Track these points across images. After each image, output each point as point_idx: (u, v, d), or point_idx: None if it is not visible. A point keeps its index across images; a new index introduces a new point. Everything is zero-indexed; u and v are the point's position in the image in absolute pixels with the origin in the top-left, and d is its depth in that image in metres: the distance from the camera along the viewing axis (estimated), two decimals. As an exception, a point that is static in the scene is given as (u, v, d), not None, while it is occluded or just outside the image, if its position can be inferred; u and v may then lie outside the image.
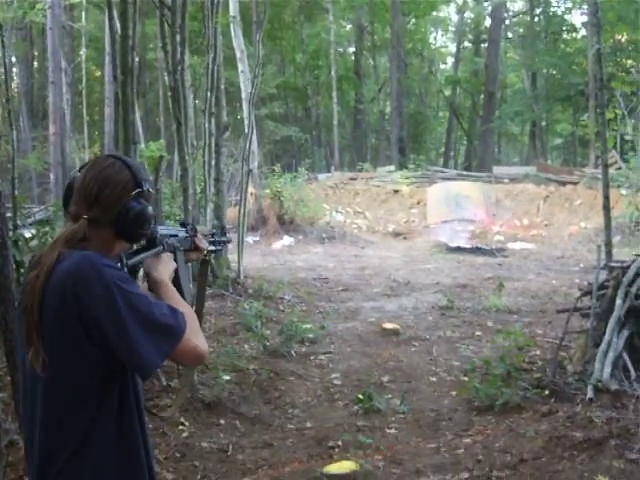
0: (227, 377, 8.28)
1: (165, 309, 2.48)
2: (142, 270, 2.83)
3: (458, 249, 23.31)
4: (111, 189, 2.55)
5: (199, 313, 3.36)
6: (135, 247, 2.84)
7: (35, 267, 2.50)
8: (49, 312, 2.40)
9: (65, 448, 2.43)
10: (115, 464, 2.49)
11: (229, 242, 3.91)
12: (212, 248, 3.44)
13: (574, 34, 45.81)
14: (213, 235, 3.49)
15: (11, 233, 7.00)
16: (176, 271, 2.92)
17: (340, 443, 6.77)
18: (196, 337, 2.51)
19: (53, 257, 2.45)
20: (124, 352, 2.37)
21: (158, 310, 2.43)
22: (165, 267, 2.82)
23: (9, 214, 7.43)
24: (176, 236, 3.04)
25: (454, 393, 8.36)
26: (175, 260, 2.96)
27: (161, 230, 2.91)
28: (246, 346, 10.18)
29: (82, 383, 2.42)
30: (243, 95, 22.39)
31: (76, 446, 2.42)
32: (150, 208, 2.64)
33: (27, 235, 9.26)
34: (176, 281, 2.91)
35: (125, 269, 2.59)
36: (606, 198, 10.86)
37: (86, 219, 2.52)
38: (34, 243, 9.13)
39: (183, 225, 3.17)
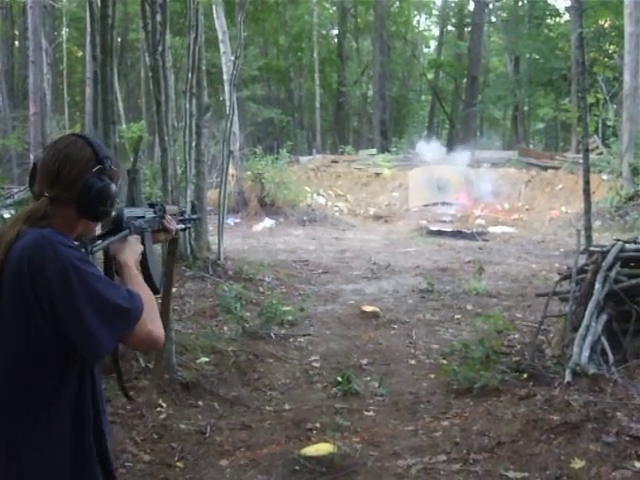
0: (206, 359, 8.28)
1: (123, 292, 2.44)
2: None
3: (439, 232, 23.32)
4: (72, 166, 2.52)
5: (168, 293, 3.33)
6: (101, 231, 2.81)
7: None
8: (6, 289, 2.38)
9: (18, 435, 2.41)
10: (67, 463, 2.45)
11: (199, 219, 3.87)
12: (181, 227, 3.40)
13: (557, 19, 45.91)
14: (182, 213, 3.45)
15: (-11, 213, 6.96)
16: (144, 253, 2.89)
17: (318, 425, 6.77)
18: (152, 322, 2.47)
19: (12, 234, 2.42)
20: (75, 333, 2.33)
21: (114, 292, 2.40)
22: (131, 250, 2.77)
23: (-13, 194, 7.39)
24: (143, 217, 2.99)
25: (433, 376, 8.37)
26: (143, 242, 2.91)
27: (127, 212, 2.86)
28: (225, 328, 10.17)
29: (36, 365, 2.39)
30: (225, 77, 22.38)
31: (27, 434, 2.40)
32: (113, 185, 2.60)
33: (6, 216, 9.23)
34: (144, 263, 2.89)
35: (90, 256, 2.54)
36: (587, 183, 10.87)
37: (47, 197, 2.49)
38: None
39: (152, 205, 3.11)
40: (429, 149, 34.28)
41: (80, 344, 2.36)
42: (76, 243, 2.52)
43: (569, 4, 37.89)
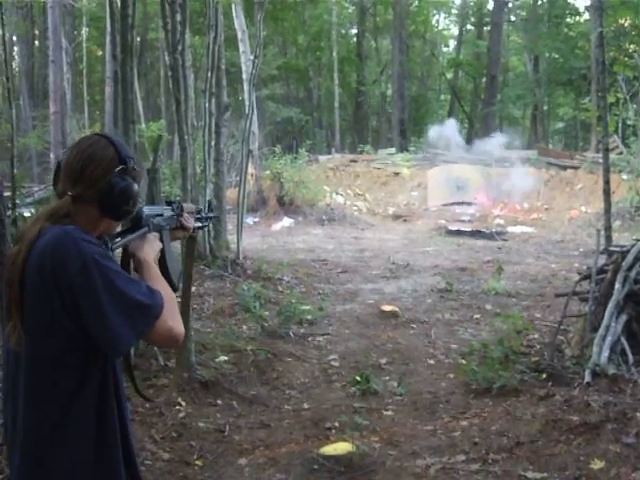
0: (225, 357, 8.30)
1: (143, 288, 2.46)
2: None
3: (458, 232, 23.27)
4: (95, 165, 2.55)
5: (187, 291, 3.35)
6: (121, 228, 2.83)
7: (18, 242, 2.50)
8: (29, 286, 2.40)
9: (42, 430, 2.43)
10: (90, 458, 2.47)
11: (216, 217, 3.88)
12: (199, 225, 3.42)
13: (577, 17, 45.61)
14: (200, 212, 3.47)
15: (9, 212, 6.98)
16: (162, 251, 2.90)
17: (337, 424, 6.77)
18: (172, 319, 2.50)
19: (34, 231, 2.45)
20: (96, 328, 2.36)
21: (135, 288, 2.42)
22: (150, 247, 2.80)
23: (8, 193, 7.42)
24: (161, 215, 3.01)
25: (452, 376, 8.36)
26: (161, 240, 2.93)
27: (146, 210, 2.88)
28: (244, 327, 10.20)
29: (59, 360, 2.41)
30: (244, 76, 22.36)
31: (51, 431, 2.42)
32: (136, 185, 2.62)
33: (27, 214, 9.25)
34: (162, 261, 2.90)
35: (110, 253, 2.56)
36: (607, 183, 10.84)
37: (70, 196, 2.51)
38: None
39: (169, 203, 3.14)
40: (444, 135, 34.15)
41: (101, 340, 2.38)
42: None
43: (589, 3, 37.73)
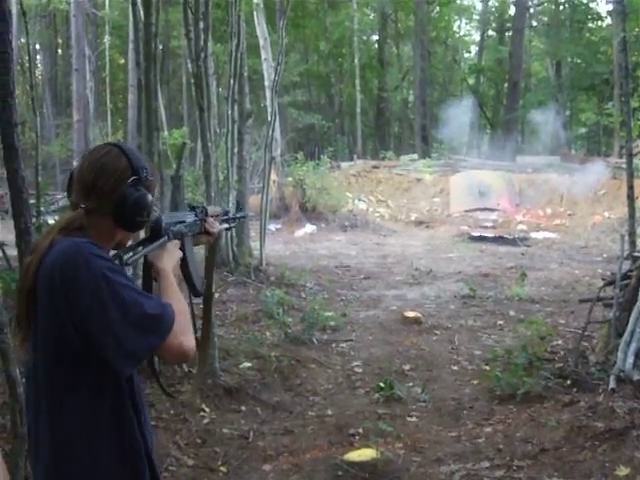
0: (248, 364, 8.32)
1: (154, 302, 2.42)
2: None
3: (481, 238, 23.22)
4: (107, 177, 2.52)
5: (209, 298, 3.34)
6: (139, 239, 2.82)
7: (31, 253, 2.49)
8: (40, 299, 2.39)
9: (61, 445, 2.42)
10: (111, 471, 2.46)
11: (245, 217, 3.86)
12: (225, 226, 3.41)
13: (599, 22, 45.47)
14: (227, 213, 3.45)
15: (34, 219, 7.03)
16: (184, 258, 2.88)
17: (361, 431, 6.78)
18: (183, 334, 2.44)
19: (46, 243, 2.43)
20: (105, 344, 2.33)
21: (146, 302, 2.38)
22: (170, 256, 2.76)
23: (32, 200, 7.47)
24: (183, 222, 2.97)
25: (475, 382, 8.34)
26: (183, 246, 2.91)
27: (165, 219, 2.84)
28: (268, 333, 10.21)
29: (71, 374, 2.40)
30: (266, 83, 22.43)
31: (70, 445, 2.42)
32: (149, 195, 2.59)
33: (50, 222, 9.30)
34: (184, 267, 2.88)
35: (124, 268, 2.53)
36: (630, 188, 10.81)
37: (84, 208, 2.50)
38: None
39: (192, 208, 3.10)
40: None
41: (110, 355, 2.35)
42: (113, 252, 2.55)
43: (611, 8, 37.64)
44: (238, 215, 3.63)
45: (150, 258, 2.74)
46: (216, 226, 3.21)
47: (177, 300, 2.57)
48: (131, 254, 2.64)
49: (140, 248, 2.71)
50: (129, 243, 2.74)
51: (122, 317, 2.31)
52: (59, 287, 2.33)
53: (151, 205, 2.60)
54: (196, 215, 3.08)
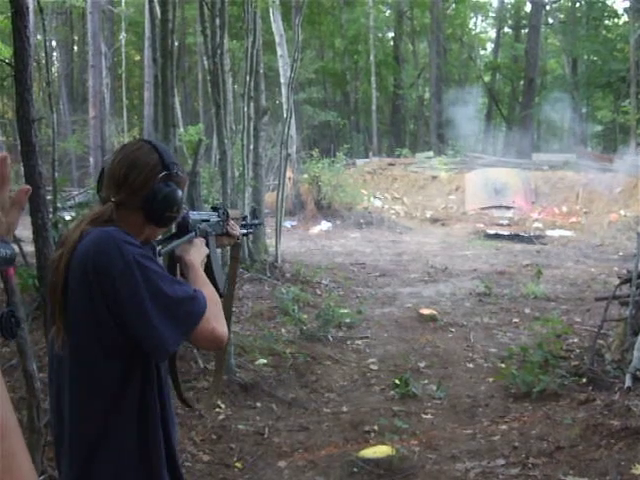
0: (264, 360, 8.33)
1: (186, 288, 2.45)
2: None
3: (496, 236, 23.21)
4: (138, 172, 2.54)
5: (231, 296, 3.35)
6: (168, 233, 2.84)
7: (60, 246, 2.51)
8: (72, 289, 2.40)
9: (87, 436, 2.44)
10: (134, 462, 2.47)
11: (261, 225, 3.88)
12: (244, 232, 3.43)
13: (616, 20, 45.28)
14: (244, 218, 3.48)
15: (51, 215, 7.05)
16: (208, 256, 2.91)
17: (376, 428, 6.78)
18: (216, 320, 2.48)
19: (76, 235, 2.44)
20: (140, 330, 2.34)
21: (178, 289, 2.40)
22: (197, 251, 2.81)
23: (49, 196, 7.49)
24: (208, 221, 3.01)
25: (491, 380, 8.33)
26: (207, 245, 2.94)
27: (193, 215, 2.88)
28: (283, 330, 10.22)
29: (102, 364, 2.41)
30: (282, 80, 22.43)
31: (95, 436, 2.43)
32: (179, 191, 2.61)
33: (67, 218, 9.33)
34: (208, 266, 2.90)
35: (159, 258, 2.57)
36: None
37: (114, 202, 2.52)
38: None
39: (215, 209, 3.13)
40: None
41: (145, 341, 2.36)
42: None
43: (628, 5, 37.48)
44: (255, 222, 3.66)
45: (178, 252, 2.79)
46: (237, 229, 3.25)
47: (208, 289, 2.62)
48: (160, 247, 2.69)
49: (169, 242, 2.76)
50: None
51: (156, 302, 2.33)
52: (92, 275, 2.34)
53: (181, 201, 2.62)
54: (219, 216, 3.12)
